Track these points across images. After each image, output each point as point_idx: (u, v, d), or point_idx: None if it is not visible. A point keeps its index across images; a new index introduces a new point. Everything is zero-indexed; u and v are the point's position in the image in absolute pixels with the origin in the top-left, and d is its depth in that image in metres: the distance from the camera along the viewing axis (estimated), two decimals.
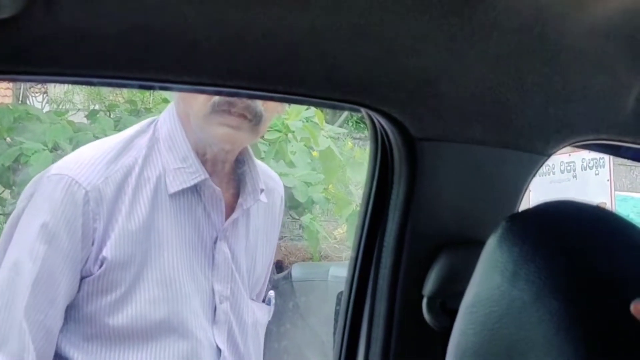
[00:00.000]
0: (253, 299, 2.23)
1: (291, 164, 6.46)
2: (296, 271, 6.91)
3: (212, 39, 1.09)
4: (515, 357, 0.90)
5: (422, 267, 1.31)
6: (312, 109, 6.28)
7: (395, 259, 1.31)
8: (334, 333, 1.40)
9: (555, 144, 1.35)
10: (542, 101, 1.31)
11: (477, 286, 0.97)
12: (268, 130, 5.36)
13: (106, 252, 1.97)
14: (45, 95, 9.88)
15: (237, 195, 2.15)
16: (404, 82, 1.23)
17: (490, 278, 0.95)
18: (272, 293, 2.35)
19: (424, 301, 1.30)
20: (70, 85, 8.61)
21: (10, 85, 9.26)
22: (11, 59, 1.00)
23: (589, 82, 1.34)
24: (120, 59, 1.06)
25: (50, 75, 1.10)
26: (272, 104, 2.04)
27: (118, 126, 6.94)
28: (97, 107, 8.20)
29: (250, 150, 2.18)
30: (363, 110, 1.27)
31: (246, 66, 1.13)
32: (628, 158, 1.70)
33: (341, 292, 1.39)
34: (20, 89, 9.67)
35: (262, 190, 2.18)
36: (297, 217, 6.87)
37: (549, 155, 1.36)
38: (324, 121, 6.69)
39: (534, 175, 1.37)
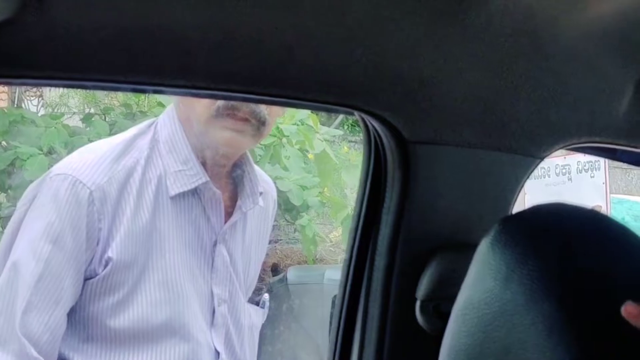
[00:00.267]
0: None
1: (286, 168, 6.46)
2: (292, 274, 6.90)
3: (205, 42, 1.09)
4: (507, 359, 0.90)
5: (416, 270, 1.31)
6: (307, 111, 6.28)
7: (389, 261, 1.31)
8: (330, 336, 1.40)
9: (548, 146, 1.35)
10: (534, 104, 1.31)
11: (469, 289, 0.97)
12: None
13: (111, 252, 1.97)
14: (40, 98, 9.85)
15: (235, 198, 2.16)
16: (397, 85, 1.23)
17: (483, 281, 0.95)
18: (266, 296, 2.35)
19: (418, 304, 1.30)
20: (65, 89, 8.60)
21: (6, 88, 9.23)
22: (4, 62, 1.00)
23: (581, 85, 1.34)
24: (113, 63, 1.06)
25: (43, 78, 1.10)
26: (275, 108, 2.05)
27: (113, 130, 6.93)
28: (92, 110, 8.18)
29: (248, 154, 2.18)
30: (356, 113, 1.27)
31: (240, 69, 1.13)
32: (624, 161, 1.70)
33: (336, 296, 1.39)
34: (15, 92, 9.64)
35: (260, 194, 2.18)
36: (293, 221, 6.86)
37: (542, 158, 1.37)
38: (318, 124, 6.68)
39: (527, 178, 1.37)
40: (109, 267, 1.97)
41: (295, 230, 7.24)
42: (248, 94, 1.21)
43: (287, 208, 6.53)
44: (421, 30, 1.20)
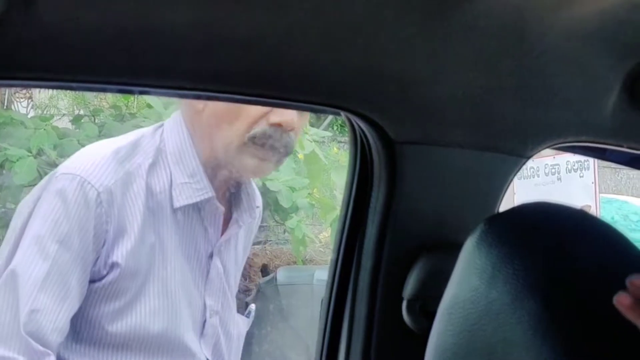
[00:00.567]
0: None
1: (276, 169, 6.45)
2: (281, 275, 6.90)
3: (193, 43, 1.09)
4: (493, 358, 0.90)
5: (402, 269, 1.31)
6: None
7: (375, 261, 1.31)
8: (317, 336, 1.40)
9: (534, 146, 1.36)
10: (520, 103, 1.32)
11: (455, 288, 0.98)
12: None
13: (116, 258, 1.96)
14: (30, 100, 9.85)
15: (231, 210, 2.15)
16: (383, 86, 1.23)
17: (469, 280, 0.95)
18: (252, 306, 2.35)
19: (404, 304, 1.30)
20: (55, 91, 8.60)
21: None
22: None
23: (568, 84, 1.34)
24: (99, 64, 1.06)
25: (30, 80, 1.10)
26: (299, 131, 2.05)
27: (102, 131, 6.92)
28: (81, 112, 8.18)
29: None
30: (342, 113, 1.27)
31: (227, 70, 1.13)
32: (613, 161, 1.70)
33: None
34: (5, 94, 9.63)
35: (257, 207, 2.19)
36: (282, 222, 6.87)
37: (528, 158, 1.37)
38: (307, 125, 6.68)
39: (513, 178, 1.37)
40: (115, 273, 1.96)
41: (284, 231, 7.24)
42: (235, 94, 1.21)
43: (276, 209, 6.53)
44: (407, 31, 1.20)
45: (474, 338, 0.92)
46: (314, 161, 6.59)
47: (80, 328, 1.99)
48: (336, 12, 1.14)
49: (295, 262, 7.68)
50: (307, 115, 2.03)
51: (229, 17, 1.08)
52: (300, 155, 6.64)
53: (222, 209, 2.08)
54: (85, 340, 1.99)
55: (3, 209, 6.83)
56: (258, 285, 6.89)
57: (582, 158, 7.40)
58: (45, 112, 8.90)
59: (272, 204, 6.35)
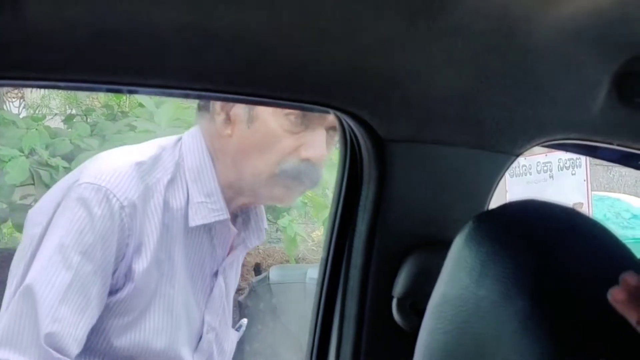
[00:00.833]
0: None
1: None
2: (274, 274, 6.89)
3: (179, 42, 1.09)
4: (483, 356, 0.90)
5: (392, 267, 1.31)
6: None
7: (365, 259, 1.31)
8: (308, 334, 1.40)
9: (523, 143, 1.36)
10: (509, 101, 1.32)
11: (444, 286, 0.98)
12: None
13: (132, 272, 1.95)
14: (22, 100, 9.83)
15: (238, 229, 2.13)
16: (372, 84, 1.23)
17: (458, 277, 0.95)
18: (244, 321, 2.34)
19: (394, 302, 1.30)
20: (47, 90, 8.59)
21: None
22: None
23: (556, 82, 1.34)
24: (87, 63, 1.06)
25: (17, 79, 1.09)
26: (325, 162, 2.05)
27: (94, 131, 6.92)
28: (73, 111, 8.17)
29: None
30: (332, 111, 1.27)
31: (214, 69, 1.13)
32: (605, 159, 1.70)
33: None
34: None
35: (265, 229, 2.18)
36: (275, 220, 6.86)
37: (517, 155, 1.37)
38: None
39: (503, 175, 1.37)
40: (128, 287, 1.95)
41: (277, 229, 7.24)
42: (223, 93, 1.21)
43: (269, 208, 6.53)
44: (396, 29, 1.20)
45: (463, 336, 0.92)
46: None
47: (87, 339, 1.97)
48: (324, 10, 1.14)
49: (288, 261, 7.68)
50: (334, 145, 2.03)
51: (216, 15, 1.08)
52: None
53: (234, 231, 2.07)
54: (90, 351, 1.97)
55: None
56: (251, 284, 6.88)
57: (574, 156, 7.41)
58: (37, 111, 8.89)
59: None
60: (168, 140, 2.10)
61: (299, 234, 7.04)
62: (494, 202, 1.35)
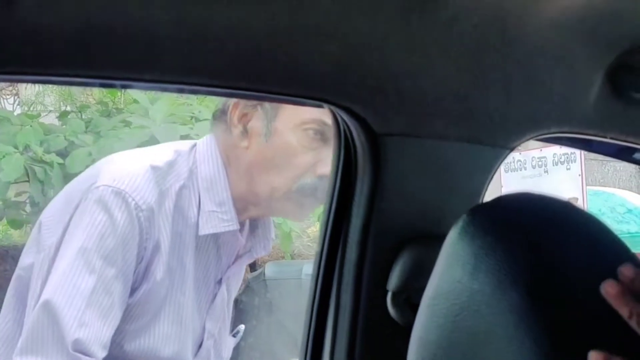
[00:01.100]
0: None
1: None
2: (269, 270, 6.90)
3: (173, 36, 1.08)
4: (477, 349, 0.90)
5: (387, 262, 1.31)
6: None
7: (360, 254, 1.31)
8: (303, 329, 1.40)
9: (517, 137, 1.36)
10: (503, 95, 1.32)
11: (438, 279, 0.98)
12: None
13: (148, 277, 1.95)
14: (16, 97, 9.81)
15: (245, 237, 2.14)
16: (366, 79, 1.23)
17: (452, 271, 0.96)
18: (242, 327, 2.33)
19: (389, 296, 1.30)
20: (41, 87, 8.57)
21: None
22: None
23: (550, 76, 1.34)
24: (81, 58, 1.05)
25: (9, 74, 1.09)
26: None
27: (89, 127, 6.91)
28: (68, 108, 8.16)
29: None
30: (326, 106, 1.27)
31: (208, 64, 1.13)
32: (600, 152, 1.71)
33: None
34: None
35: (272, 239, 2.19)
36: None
37: (511, 149, 1.37)
38: None
39: (497, 169, 1.37)
40: (143, 292, 1.96)
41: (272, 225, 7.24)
42: (217, 87, 1.21)
43: None
44: (390, 23, 1.20)
45: (458, 329, 0.92)
46: None
47: None
48: (318, 4, 1.14)
49: (283, 257, 7.68)
50: None
51: (210, 10, 1.08)
52: None
53: (242, 242, 2.08)
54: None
55: None
56: (247, 280, 6.88)
57: (568, 150, 7.42)
58: (32, 108, 8.87)
59: None
60: (183, 145, 2.09)
61: (294, 230, 7.04)
62: (489, 198, 1.35)
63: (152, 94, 6.62)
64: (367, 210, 1.30)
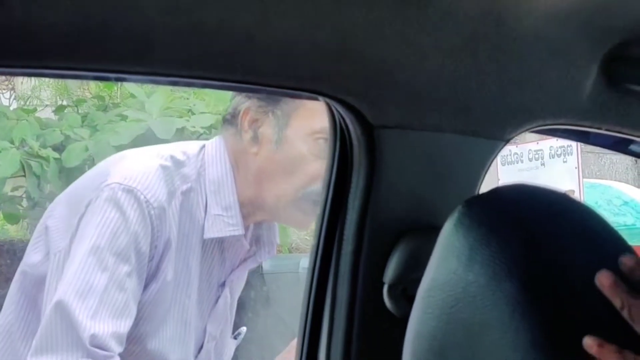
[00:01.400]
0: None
1: None
2: (267, 264, 6.89)
3: (166, 28, 1.08)
4: (472, 340, 0.90)
5: (383, 254, 1.31)
6: None
7: (356, 246, 1.31)
8: (299, 322, 1.40)
9: (512, 129, 1.36)
10: (498, 87, 1.32)
11: (434, 271, 0.98)
12: None
13: (157, 276, 1.95)
14: (12, 91, 9.80)
15: (249, 241, 2.14)
16: (361, 71, 1.23)
17: (447, 262, 0.96)
18: (243, 329, 2.33)
19: (385, 288, 1.30)
20: (37, 82, 8.57)
21: None
22: None
23: (545, 67, 1.34)
24: (73, 51, 1.05)
25: (2, 67, 1.09)
26: None
27: (85, 121, 6.91)
28: (64, 102, 8.16)
29: None
30: (321, 98, 1.27)
31: (201, 56, 1.13)
32: (597, 144, 1.71)
33: None
34: None
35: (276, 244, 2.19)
36: None
37: (507, 141, 1.37)
38: None
39: (493, 161, 1.37)
40: (152, 292, 1.96)
41: None
42: (210, 80, 1.20)
43: None
44: (385, 15, 1.19)
45: (453, 320, 0.93)
46: None
47: None
48: None
49: (281, 251, 7.68)
50: None
51: (203, 1, 1.08)
52: None
53: (247, 246, 2.08)
54: None
55: None
56: None
57: (565, 143, 7.42)
58: (28, 103, 8.87)
59: None
60: (192, 145, 2.09)
61: None
62: (485, 190, 1.35)
63: (148, 87, 6.61)
64: (363, 203, 1.30)
